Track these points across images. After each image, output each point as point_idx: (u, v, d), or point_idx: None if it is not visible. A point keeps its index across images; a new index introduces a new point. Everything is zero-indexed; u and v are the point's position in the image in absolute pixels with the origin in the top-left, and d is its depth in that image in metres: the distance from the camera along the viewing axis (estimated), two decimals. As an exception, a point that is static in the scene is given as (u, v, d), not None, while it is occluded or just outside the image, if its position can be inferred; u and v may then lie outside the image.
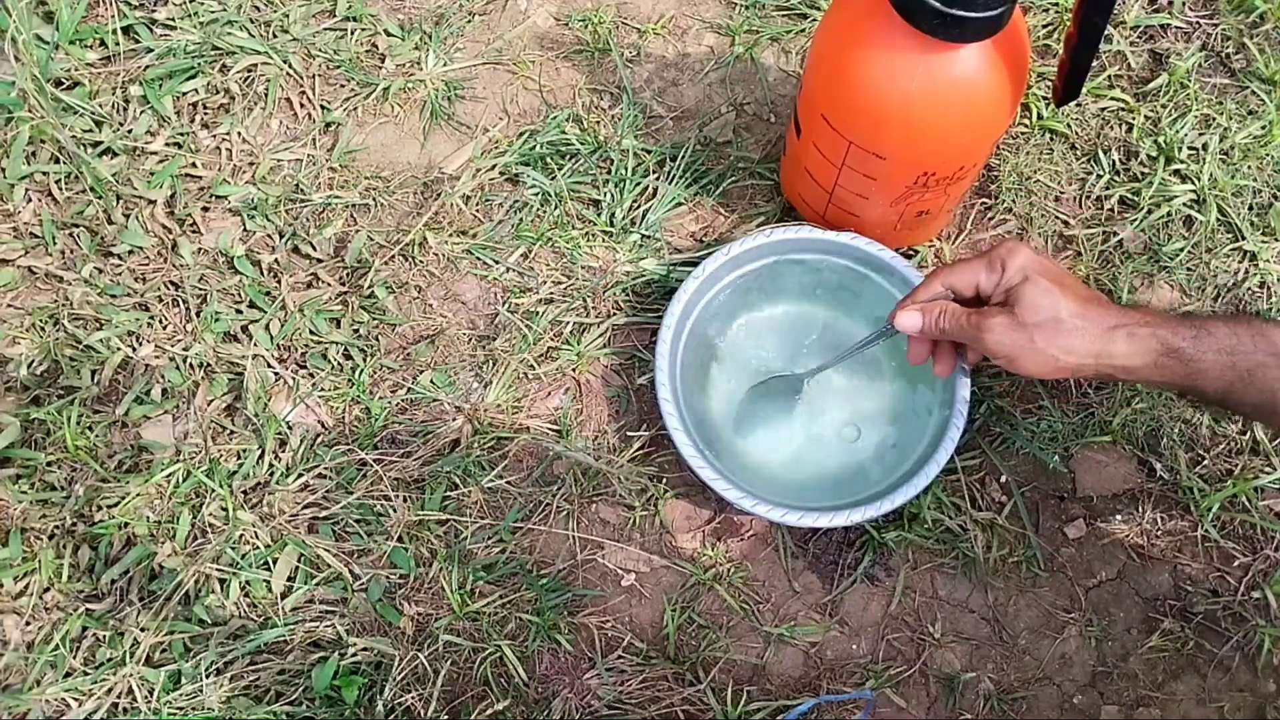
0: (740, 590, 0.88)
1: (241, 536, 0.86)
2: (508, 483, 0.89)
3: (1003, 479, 0.90)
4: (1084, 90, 0.84)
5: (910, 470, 0.81)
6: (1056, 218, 0.96)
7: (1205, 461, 0.89)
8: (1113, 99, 0.99)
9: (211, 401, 0.91)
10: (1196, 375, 0.62)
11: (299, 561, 0.86)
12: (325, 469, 0.88)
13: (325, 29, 1.01)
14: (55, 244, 0.94)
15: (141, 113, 0.98)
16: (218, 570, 0.85)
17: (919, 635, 0.87)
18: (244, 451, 0.89)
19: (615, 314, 0.93)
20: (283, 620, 0.85)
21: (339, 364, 0.92)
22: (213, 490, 0.87)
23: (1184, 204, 0.95)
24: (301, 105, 1.00)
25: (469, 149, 0.98)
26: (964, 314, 0.68)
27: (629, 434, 0.91)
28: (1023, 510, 0.89)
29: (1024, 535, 0.89)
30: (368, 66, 1.00)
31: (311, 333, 0.92)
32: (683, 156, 0.97)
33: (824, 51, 0.73)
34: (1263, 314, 0.93)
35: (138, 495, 0.87)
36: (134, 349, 0.92)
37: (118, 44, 0.99)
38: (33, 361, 0.91)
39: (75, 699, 0.83)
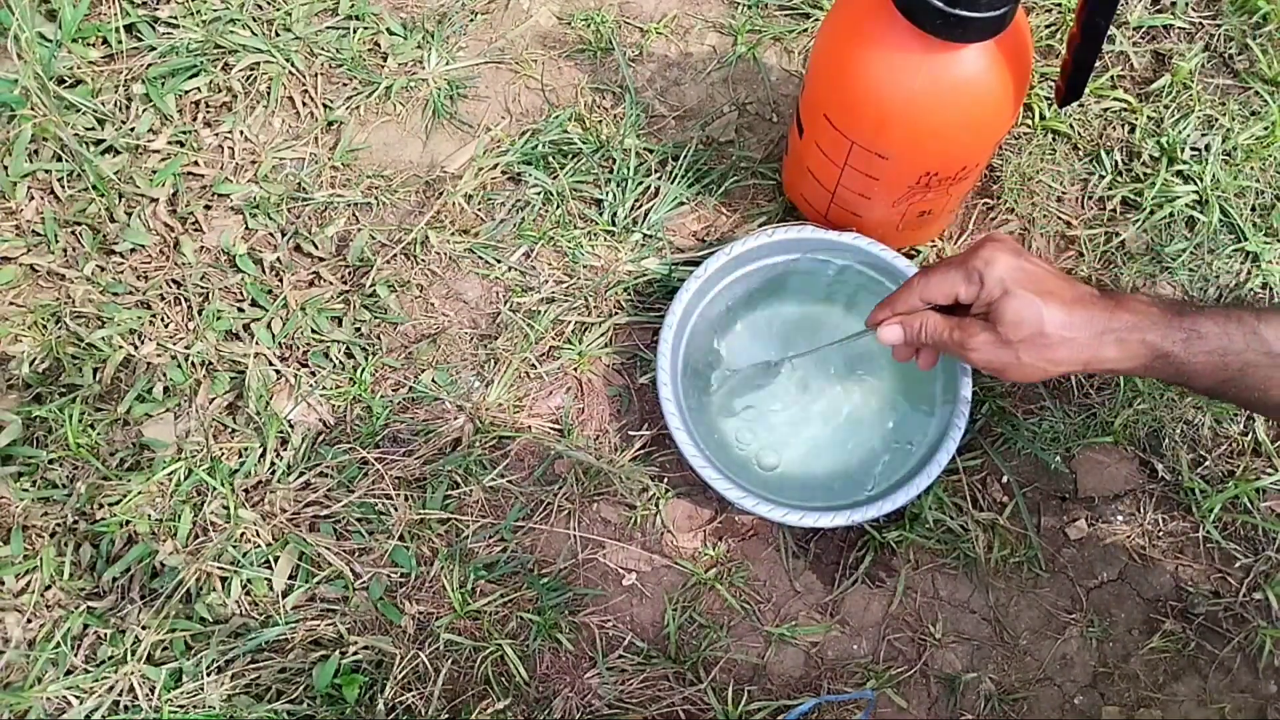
0: (741, 590, 0.88)
1: (243, 535, 0.86)
2: (509, 482, 0.89)
3: (1004, 479, 0.90)
4: (1086, 91, 0.84)
5: (911, 470, 0.81)
6: (1059, 218, 0.96)
7: (1207, 462, 0.89)
8: (1115, 99, 0.99)
9: (213, 400, 0.91)
10: (1186, 374, 0.62)
11: (300, 560, 0.86)
12: (327, 467, 0.88)
13: (327, 27, 1.01)
14: (57, 242, 0.94)
15: (144, 111, 0.98)
16: (219, 568, 0.85)
17: (920, 635, 0.87)
18: (245, 450, 0.89)
19: (617, 313, 0.93)
20: (284, 618, 0.85)
21: (341, 362, 0.92)
22: (214, 488, 0.87)
23: (1186, 205, 0.95)
24: (304, 104, 1.00)
25: (471, 148, 0.98)
26: (945, 327, 0.66)
27: (630, 433, 0.91)
28: (1024, 511, 0.89)
29: (1025, 536, 0.89)
30: (370, 65, 1.00)
31: (313, 331, 0.92)
32: (685, 156, 0.97)
33: (826, 51, 0.73)
34: (1257, 304, 0.93)
35: (139, 493, 0.87)
36: (136, 347, 0.92)
37: (120, 42, 0.99)
38: (34, 359, 0.91)
39: (76, 697, 0.83)
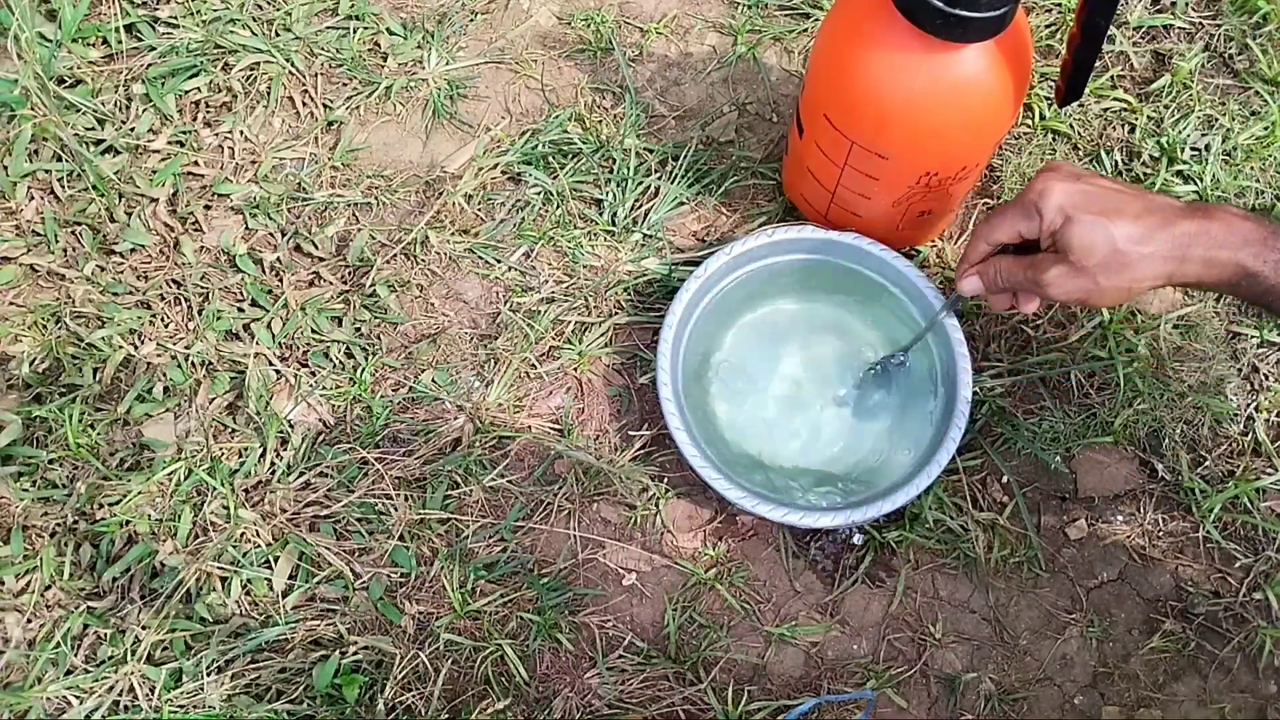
0: (741, 590, 0.88)
1: (243, 535, 0.86)
2: (509, 482, 0.89)
3: (1004, 479, 0.90)
4: (1086, 91, 0.84)
5: (911, 470, 0.81)
6: (1059, 218, 0.96)
7: (1207, 462, 0.89)
8: (1115, 99, 0.99)
9: (213, 400, 0.91)
10: (1271, 297, 0.60)
11: (300, 560, 0.86)
12: (327, 467, 0.88)
13: (327, 27, 1.01)
14: (57, 242, 0.94)
15: (144, 111, 0.98)
16: (219, 568, 0.85)
17: (920, 635, 0.87)
18: (245, 450, 0.89)
19: (617, 313, 0.93)
20: (284, 619, 0.85)
21: (341, 362, 0.92)
22: (214, 488, 0.87)
23: (1186, 205, 0.95)
24: (304, 104, 1.00)
25: (471, 148, 0.98)
26: (1020, 267, 0.64)
27: (630, 433, 0.91)
28: (1024, 511, 0.89)
29: (1025, 536, 0.89)
30: (370, 65, 1.00)
31: (313, 331, 0.92)
32: (685, 156, 0.97)
33: (827, 51, 0.73)
34: None
35: (139, 493, 0.87)
36: (136, 347, 0.92)
37: (120, 42, 0.99)
38: (35, 359, 0.91)
39: (76, 697, 0.83)
